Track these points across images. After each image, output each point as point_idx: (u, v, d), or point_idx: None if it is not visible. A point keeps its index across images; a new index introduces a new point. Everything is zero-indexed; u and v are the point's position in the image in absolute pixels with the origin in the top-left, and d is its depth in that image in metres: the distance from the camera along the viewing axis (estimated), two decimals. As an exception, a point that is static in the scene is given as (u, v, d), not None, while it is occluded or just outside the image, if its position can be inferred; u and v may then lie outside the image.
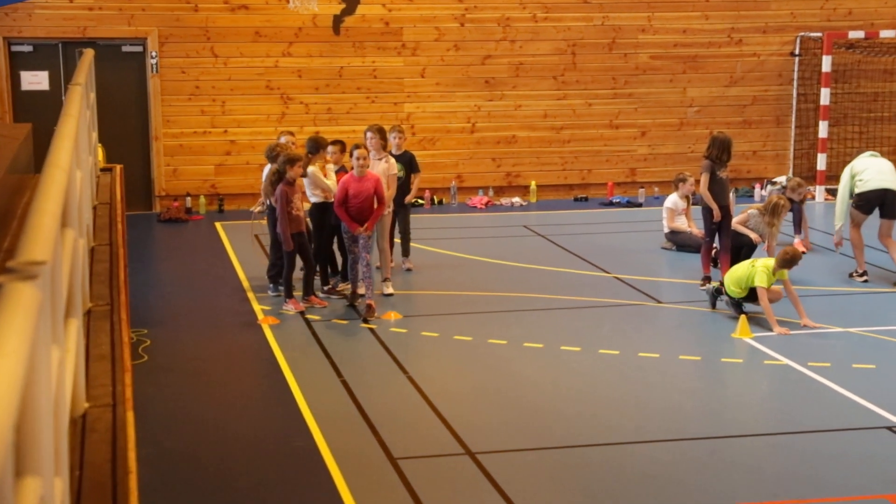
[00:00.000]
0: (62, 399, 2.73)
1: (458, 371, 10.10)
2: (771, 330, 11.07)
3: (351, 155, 12.08)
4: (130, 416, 3.57)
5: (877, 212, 13.19)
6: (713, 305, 11.96)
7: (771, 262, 11.30)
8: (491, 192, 18.71)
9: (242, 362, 10.65)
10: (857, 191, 13.19)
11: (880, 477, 7.79)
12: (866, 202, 13.14)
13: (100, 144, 10.91)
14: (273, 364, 10.24)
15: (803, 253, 14.26)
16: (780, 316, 11.32)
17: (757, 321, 11.33)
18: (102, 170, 9.51)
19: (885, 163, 13.47)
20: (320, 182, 12.41)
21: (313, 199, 12.51)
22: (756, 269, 11.27)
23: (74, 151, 3.98)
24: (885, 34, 18.98)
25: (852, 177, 13.33)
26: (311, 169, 12.37)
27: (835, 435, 8.59)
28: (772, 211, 13.14)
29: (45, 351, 2.32)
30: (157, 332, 11.05)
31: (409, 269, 13.58)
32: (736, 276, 11.53)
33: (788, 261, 11.20)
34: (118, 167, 9.26)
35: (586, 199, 18.94)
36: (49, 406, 2.32)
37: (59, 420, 2.64)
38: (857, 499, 7.43)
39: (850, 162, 13.84)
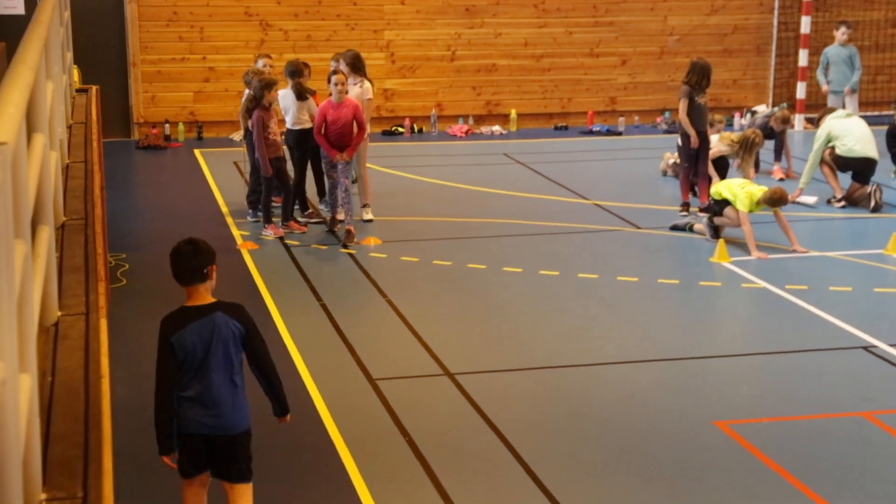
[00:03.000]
0: (28, 295, 2.70)
1: (438, 295, 10.11)
2: (749, 254, 11.11)
3: (328, 81, 11.98)
4: (103, 324, 3.55)
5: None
6: (686, 230, 12.03)
7: (758, 191, 11.29)
8: (471, 121, 18.61)
9: (221, 286, 10.43)
10: (837, 152, 13.34)
11: (856, 395, 7.86)
12: (844, 164, 13.35)
13: (75, 66, 10.78)
14: (252, 287, 10.23)
15: (780, 180, 14.39)
16: (766, 241, 11.36)
17: (736, 245, 11.36)
18: (78, 91, 9.40)
19: (864, 127, 13.59)
20: (312, 107, 12.29)
21: (296, 127, 12.38)
22: (740, 193, 11.29)
23: (43, 56, 3.91)
24: (868, -39, 18.86)
25: (831, 138, 13.39)
26: (282, 92, 12.26)
27: (811, 355, 8.66)
28: (744, 145, 13.05)
29: (6, 242, 2.29)
30: (136, 257, 11.01)
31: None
32: (725, 186, 11.62)
33: (775, 201, 11.21)
34: (94, 88, 9.17)
35: (566, 127, 18.86)
36: (11, 298, 2.29)
37: (26, 317, 2.61)
38: (834, 416, 7.51)
39: (822, 118, 13.82)
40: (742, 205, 11.22)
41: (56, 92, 5.01)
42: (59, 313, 3.71)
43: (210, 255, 5.42)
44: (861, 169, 13.28)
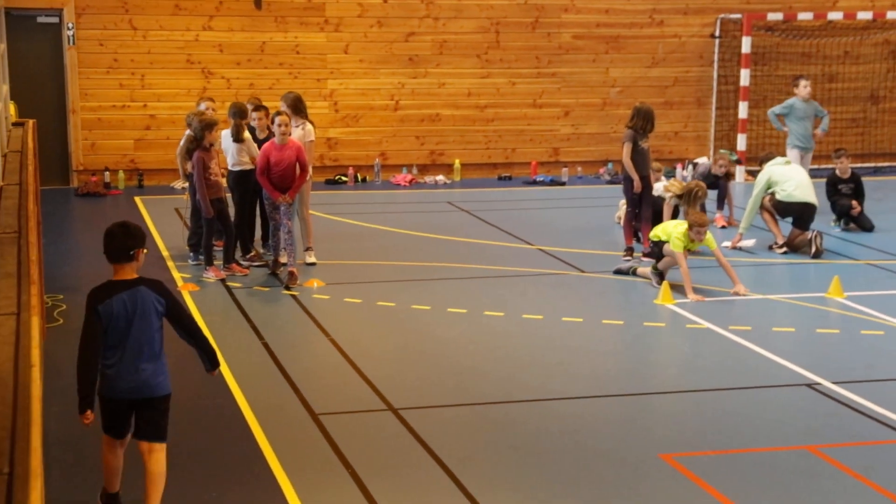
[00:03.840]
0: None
1: (381, 334, 10.00)
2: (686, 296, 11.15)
3: (272, 122, 11.93)
4: (35, 321, 3.42)
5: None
6: (630, 274, 12.05)
7: (685, 229, 11.35)
8: (415, 170, 18.61)
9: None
10: (777, 198, 13.49)
11: (801, 429, 7.84)
12: (784, 210, 13.50)
13: (12, 102, 10.63)
14: (192, 328, 10.04)
15: (723, 227, 14.50)
16: (709, 285, 11.40)
17: (681, 289, 11.38)
18: (14, 124, 9.25)
19: (803, 174, 13.84)
20: (252, 149, 12.23)
21: (236, 168, 12.32)
22: (674, 232, 11.35)
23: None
24: (803, 16, 19.24)
25: (771, 184, 13.54)
26: (247, 135, 12.24)
27: (756, 391, 8.64)
28: (687, 198, 12.92)
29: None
30: (73, 297, 10.77)
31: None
32: (661, 227, 11.74)
33: (690, 225, 11.25)
34: (31, 121, 9.02)
35: (510, 177, 18.92)
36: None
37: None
38: (779, 449, 7.47)
39: (763, 166, 13.97)
40: (675, 245, 11.27)
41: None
42: (-11, 313, 3.57)
43: (139, 238, 6.04)
44: (801, 214, 13.41)
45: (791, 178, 13.57)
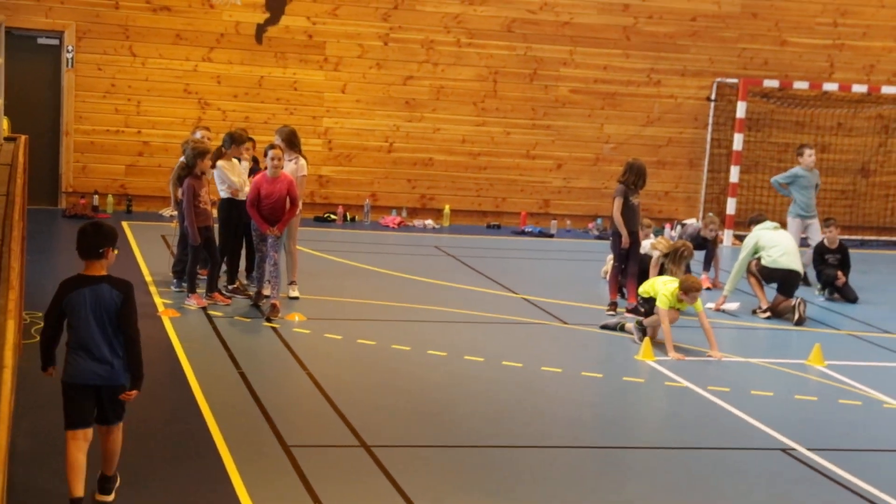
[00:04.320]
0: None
1: (359, 371, 9.96)
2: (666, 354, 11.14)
3: (265, 155, 11.93)
4: (11, 324, 3.40)
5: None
6: (617, 329, 12.02)
7: (675, 288, 11.35)
8: (404, 213, 18.64)
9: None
10: (763, 263, 13.52)
11: (774, 493, 7.81)
12: (769, 275, 13.53)
13: (6, 117, 10.63)
14: (170, 353, 10.00)
15: (708, 289, 14.51)
16: (691, 344, 11.39)
17: (662, 346, 11.36)
18: (6, 139, 9.24)
19: (790, 240, 13.86)
20: (226, 177, 12.25)
21: (222, 195, 12.33)
22: (661, 289, 11.34)
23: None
24: (799, 85, 19.40)
25: (757, 249, 13.60)
26: (220, 163, 12.23)
27: (731, 453, 8.61)
28: (673, 257, 12.90)
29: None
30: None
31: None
32: (650, 283, 11.75)
33: (688, 287, 11.25)
34: (23, 137, 9.01)
35: (499, 226, 18.96)
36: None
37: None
38: (750, 510, 7.43)
39: (752, 227, 14.04)
40: (662, 302, 11.27)
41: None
42: (-35, 314, 3.54)
43: (109, 238, 6.48)
44: (785, 280, 13.44)
45: (778, 244, 13.62)
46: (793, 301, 13.31)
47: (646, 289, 11.77)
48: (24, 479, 6.82)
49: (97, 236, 6.43)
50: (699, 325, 11.52)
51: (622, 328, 12.01)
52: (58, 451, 7.02)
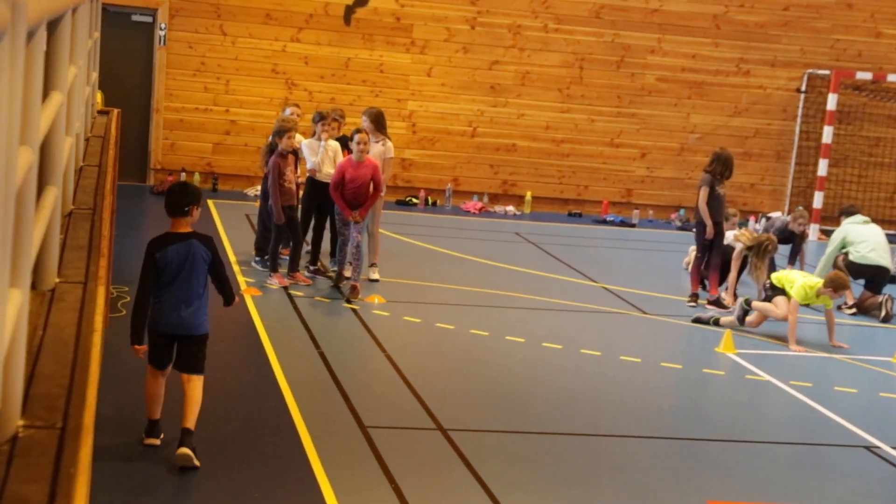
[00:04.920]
0: (29, 199, 2.60)
1: (437, 354, 9.98)
2: (788, 346, 11.18)
3: (351, 139, 11.96)
4: (101, 290, 3.45)
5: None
6: (711, 324, 11.86)
7: (817, 283, 11.22)
8: (486, 199, 18.62)
9: (220, 326, 10.46)
10: (850, 258, 13.30)
11: (857, 491, 7.68)
12: (857, 271, 13.29)
13: (100, 91, 10.81)
14: (251, 331, 10.12)
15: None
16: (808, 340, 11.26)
17: (745, 338, 11.22)
18: (99, 112, 9.40)
19: (880, 234, 13.61)
20: (306, 156, 12.33)
21: (308, 170, 12.41)
22: (799, 280, 11.23)
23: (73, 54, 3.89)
24: (893, 78, 18.99)
25: (846, 244, 13.39)
26: (304, 141, 12.33)
27: (811, 448, 8.49)
28: (757, 251, 12.68)
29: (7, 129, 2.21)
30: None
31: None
32: (786, 274, 11.63)
33: (839, 285, 11.17)
34: (115, 110, 9.17)
35: (580, 214, 18.86)
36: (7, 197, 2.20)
37: (23, 224, 2.51)
38: (830, 507, 7.32)
39: (842, 219, 13.85)
40: (798, 293, 11.15)
41: (78, 77, 4.97)
42: (57, 279, 3.62)
43: (195, 196, 6.92)
44: (873, 277, 13.20)
45: (867, 239, 13.37)
46: (880, 298, 13.07)
47: (779, 277, 11.61)
48: (107, 450, 6.95)
49: (184, 195, 6.89)
50: (813, 321, 11.35)
51: (716, 322, 11.84)
52: (143, 418, 7.16)
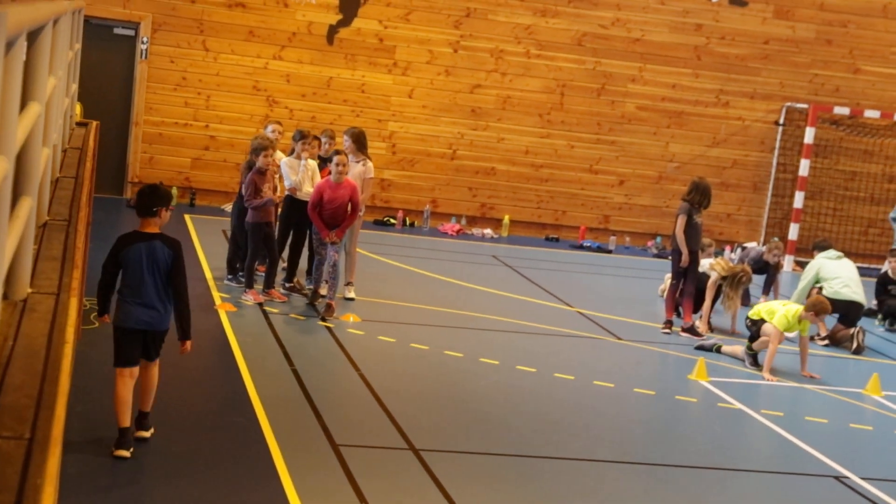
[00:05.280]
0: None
1: (411, 375, 9.98)
2: (761, 374, 11.25)
3: (330, 160, 11.96)
4: (74, 302, 3.44)
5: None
6: (713, 351, 11.94)
7: (798, 309, 11.27)
8: (464, 221, 18.65)
9: (194, 340, 10.32)
10: (824, 293, 13.36)
11: (823, 521, 7.71)
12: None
13: (79, 103, 10.78)
14: (225, 346, 10.09)
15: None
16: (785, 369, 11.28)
17: (718, 367, 11.26)
18: (78, 124, 9.38)
19: (852, 270, 13.76)
20: (286, 174, 12.32)
21: (288, 188, 12.39)
22: (780, 310, 11.27)
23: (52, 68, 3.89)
24: (870, 114, 19.16)
25: (819, 279, 13.51)
26: (285, 159, 12.33)
27: (782, 477, 8.52)
28: (731, 281, 12.81)
29: None
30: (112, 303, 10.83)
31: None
32: (766, 307, 11.66)
33: (821, 309, 11.23)
34: (94, 122, 9.16)
35: (557, 239, 18.92)
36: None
37: None
38: (798, 537, 7.34)
39: (815, 253, 14.02)
40: (780, 322, 11.19)
41: (57, 89, 4.96)
42: (30, 290, 3.60)
43: (164, 199, 7.29)
44: (847, 312, 13.29)
45: (840, 275, 13.49)
46: (851, 330, 13.15)
47: (756, 311, 11.65)
48: (75, 463, 6.91)
49: (152, 196, 7.27)
50: (789, 352, 11.41)
51: (718, 349, 11.91)
52: (111, 429, 7.13)
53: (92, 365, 8.79)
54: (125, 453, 7.07)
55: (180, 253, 7.24)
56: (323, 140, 12.92)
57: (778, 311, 11.35)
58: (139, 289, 7.14)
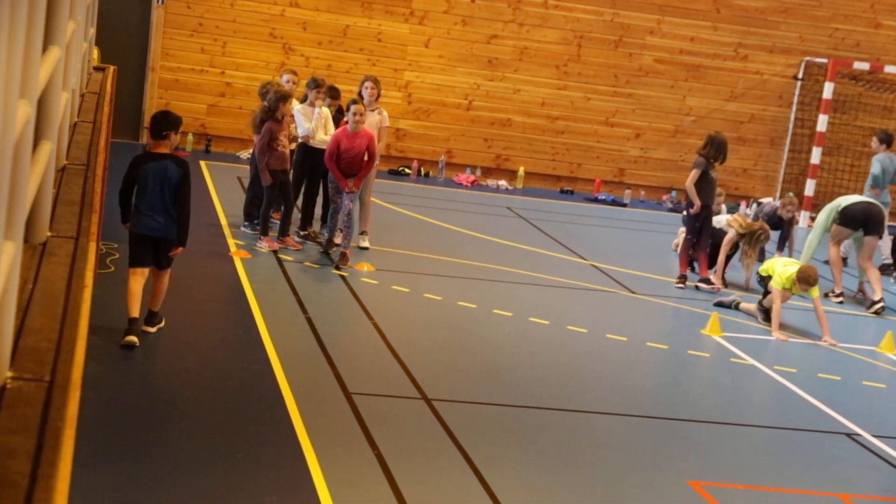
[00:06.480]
0: (25, 150, 2.60)
1: (424, 324, 10.00)
2: (770, 332, 11.17)
3: (347, 109, 11.90)
4: (92, 246, 3.45)
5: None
6: (732, 308, 11.92)
7: (791, 273, 11.17)
8: (479, 172, 18.61)
9: (208, 286, 10.51)
10: (840, 208, 13.23)
11: (835, 477, 7.73)
12: (851, 219, 13.18)
13: (96, 47, 10.75)
14: (239, 293, 10.12)
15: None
16: (801, 328, 11.28)
17: (732, 321, 11.26)
18: (95, 68, 9.37)
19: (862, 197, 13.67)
20: (300, 122, 12.26)
21: (299, 138, 12.34)
22: (779, 269, 11.23)
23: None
24: (890, 69, 18.99)
25: (831, 208, 13.39)
26: (298, 106, 12.28)
27: (793, 433, 8.54)
28: (749, 238, 12.79)
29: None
30: (127, 249, 10.86)
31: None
32: (771, 262, 11.66)
33: (803, 278, 11.05)
34: (111, 67, 9.16)
35: (572, 192, 18.86)
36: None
37: (19, 175, 2.51)
38: (810, 493, 7.36)
39: (830, 203, 13.98)
40: (776, 282, 11.16)
41: (76, 33, 4.94)
42: (49, 233, 3.61)
43: (173, 123, 8.30)
44: (868, 218, 13.08)
45: (849, 197, 13.55)
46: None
47: (765, 267, 11.62)
48: (92, 405, 6.96)
49: (163, 121, 8.24)
50: (807, 310, 11.38)
51: (736, 306, 11.89)
52: (127, 373, 7.18)
53: (109, 308, 8.84)
54: (133, 339, 8.02)
55: (188, 171, 8.24)
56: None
57: (776, 271, 11.29)
58: (150, 201, 8.14)
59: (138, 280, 8.29)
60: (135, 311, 8.20)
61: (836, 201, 13.57)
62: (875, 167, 15.08)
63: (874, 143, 15.48)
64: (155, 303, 8.47)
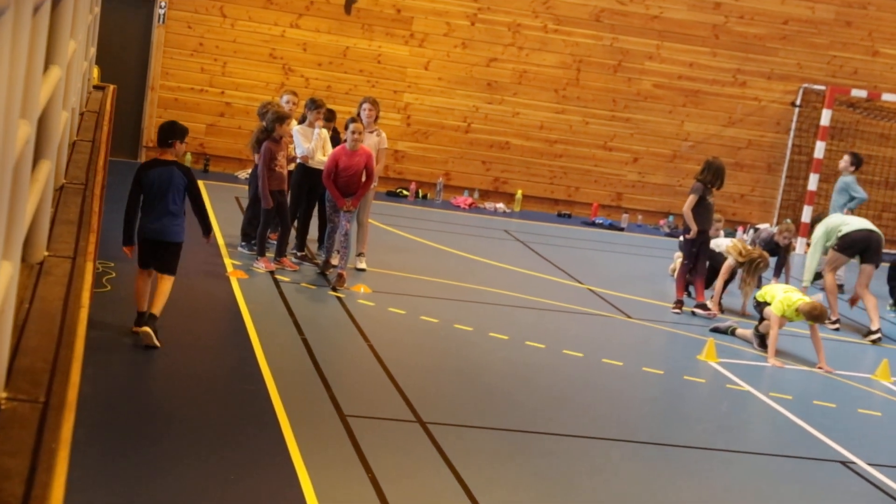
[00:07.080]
0: (24, 170, 2.60)
1: (420, 347, 10.00)
2: (766, 359, 11.15)
3: (346, 128, 11.93)
4: (89, 266, 3.46)
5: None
6: (728, 334, 11.91)
7: (797, 300, 11.12)
8: (476, 195, 18.64)
9: (205, 307, 10.51)
10: (840, 234, 13.22)
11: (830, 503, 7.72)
12: (850, 245, 13.17)
13: (97, 66, 10.78)
14: (235, 314, 10.11)
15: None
16: (796, 355, 11.28)
17: (727, 348, 11.26)
18: (95, 87, 9.40)
19: (861, 218, 13.66)
20: (299, 142, 12.28)
21: (298, 158, 12.35)
22: (779, 296, 11.20)
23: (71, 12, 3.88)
24: (887, 97, 19.05)
25: (830, 229, 13.37)
26: (297, 127, 12.30)
27: (788, 460, 8.52)
28: (748, 266, 12.77)
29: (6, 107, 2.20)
30: (123, 267, 10.86)
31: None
32: (769, 288, 11.64)
33: (814, 316, 11.00)
34: (111, 86, 9.20)
35: (569, 215, 18.89)
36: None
37: (18, 194, 2.51)
38: (803, 520, 7.35)
39: (818, 219, 14.08)
40: (777, 308, 11.12)
41: (77, 52, 4.96)
42: (46, 253, 3.61)
43: (179, 133, 8.86)
44: (867, 246, 13.07)
45: (849, 221, 13.47)
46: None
47: (763, 293, 11.60)
48: (86, 426, 6.94)
49: (170, 131, 8.81)
50: (803, 337, 11.39)
51: (733, 332, 11.89)
52: (121, 394, 7.16)
53: (103, 327, 8.84)
54: (147, 330, 8.44)
55: (193, 176, 8.80)
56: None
57: (777, 297, 11.27)
58: (155, 206, 8.60)
59: (145, 279, 8.80)
60: (143, 305, 8.69)
61: (834, 221, 13.50)
62: (859, 191, 15.14)
63: (846, 161, 15.48)
64: (155, 306, 8.68)
